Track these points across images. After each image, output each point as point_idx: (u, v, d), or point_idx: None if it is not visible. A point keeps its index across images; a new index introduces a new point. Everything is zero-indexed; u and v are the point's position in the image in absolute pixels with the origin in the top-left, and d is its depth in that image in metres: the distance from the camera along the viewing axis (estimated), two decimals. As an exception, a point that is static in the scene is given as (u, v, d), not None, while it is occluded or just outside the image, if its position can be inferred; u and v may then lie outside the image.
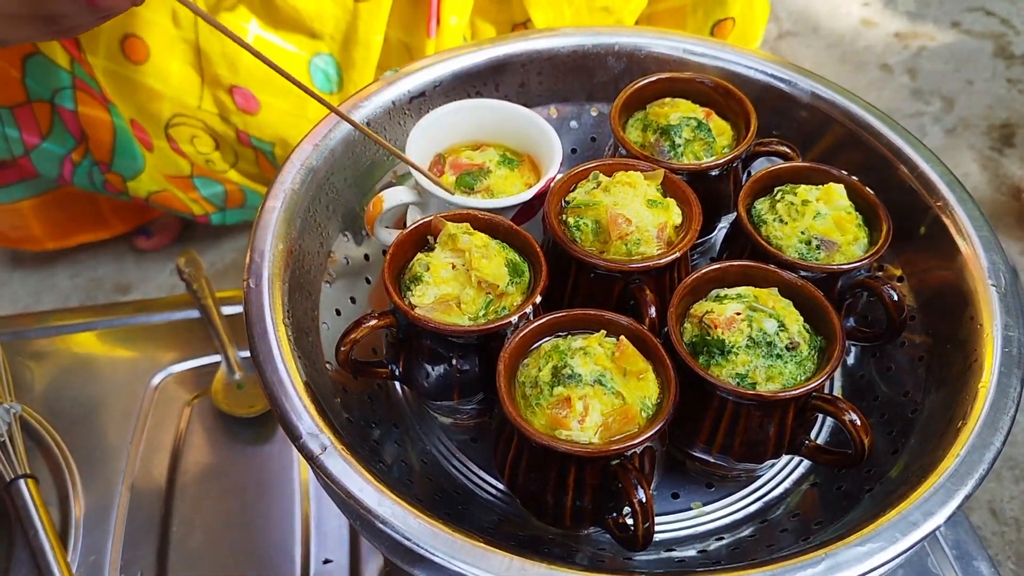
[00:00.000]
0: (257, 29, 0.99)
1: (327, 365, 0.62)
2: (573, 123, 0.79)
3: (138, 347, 0.93)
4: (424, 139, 0.68)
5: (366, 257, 0.71)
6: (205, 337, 0.92)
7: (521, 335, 0.56)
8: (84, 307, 1.12)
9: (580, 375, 0.53)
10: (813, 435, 0.65)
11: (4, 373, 0.86)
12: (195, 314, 0.94)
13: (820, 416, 0.66)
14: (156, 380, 0.89)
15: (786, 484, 0.64)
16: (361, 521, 0.52)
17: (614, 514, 0.55)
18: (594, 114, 0.79)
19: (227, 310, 0.93)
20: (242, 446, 0.85)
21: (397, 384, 0.68)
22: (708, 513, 0.62)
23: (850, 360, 0.71)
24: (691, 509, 0.62)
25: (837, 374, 0.70)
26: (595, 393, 0.53)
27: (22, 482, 0.78)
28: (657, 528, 0.57)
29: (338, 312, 0.67)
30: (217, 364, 0.89)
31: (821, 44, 1.62)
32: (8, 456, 0.79)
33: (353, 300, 0.69)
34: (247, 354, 0.89)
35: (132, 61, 1.00)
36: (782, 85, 0.75)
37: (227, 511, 0.80)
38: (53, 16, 0.52)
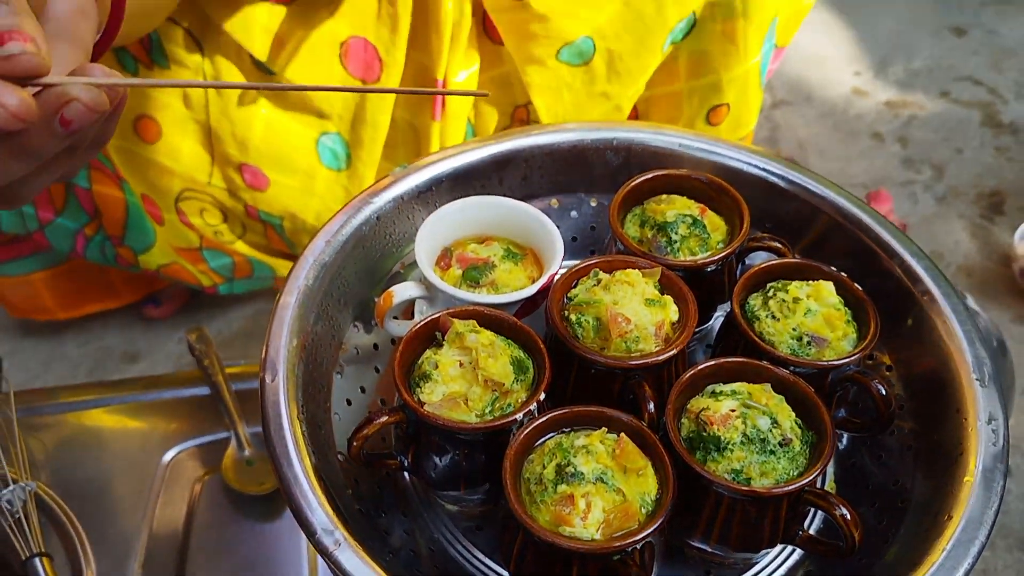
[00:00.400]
0: (265, 111, 1.03)
1: (338, 456, 0.65)
2: (573, 213, 0.83)
3: (149, 423, 0.95)
4: (432, 234, 0.71)
5: (375, 347, 0.74)
6: (215, 413, 0.94)
7: (526, 432, 0.58)
8: (95, 383, 1.14)
9: (583, 473, 0.56)
10: (807, 524, 0.67)
11: (20, 451, 0.88)
12: (205, 390, 0.96)
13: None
14: (167, 457, 0.91)
15: (781, 571, 0.66)
16: (372, 615, 0.54)
17: (615, 606, 0.57)
18: (593, 204, 0.82)
19: (237, 386, 0.95)
20: (252, 523, 0.87)
21: (405, 474, 0.70)
22: (706, 601, 0.64)
23: (842, 444, 0.73)
24: (690, 597, 0.64)
25: (830, 462, 0.72)
26: (597, 491, 0.55)
27: (37, 560, 0.79)
28: (657, 618, 0.60)
29: (349, 402, 0.69)
30: (227, 440, 0.92)
31: (814, 113, 1.67)
32: (24, 534, 0.81)
33: (363, 389, 0.71)
34: (257, 430, 0.92)
35: (144, 140, 1.04)
36: (775, 179, 0.78)
37: (237, 589, 0.82)
38: (68, 149, 0.51)
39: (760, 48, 1.04)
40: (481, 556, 0.66)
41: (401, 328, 0.69)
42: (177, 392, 0.97)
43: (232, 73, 1.00)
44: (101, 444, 0.93)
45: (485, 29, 1.03)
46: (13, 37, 0.43)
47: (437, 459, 0.62)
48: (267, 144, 1.04)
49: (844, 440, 0.73)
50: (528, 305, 0.69)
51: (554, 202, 0.82)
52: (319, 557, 0.83)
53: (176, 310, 1.38)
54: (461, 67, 1.00)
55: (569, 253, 0.80)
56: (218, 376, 0.95)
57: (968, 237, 1.47)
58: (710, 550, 0.62)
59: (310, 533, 0.55)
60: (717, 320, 0.75)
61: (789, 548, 0.67)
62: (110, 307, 1.34)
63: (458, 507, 0.68)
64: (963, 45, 1.85)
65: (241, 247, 1.19)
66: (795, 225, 0.78)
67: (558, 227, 0.72)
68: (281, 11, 0.96)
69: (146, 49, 0.98)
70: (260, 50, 0.98)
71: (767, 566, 0.66)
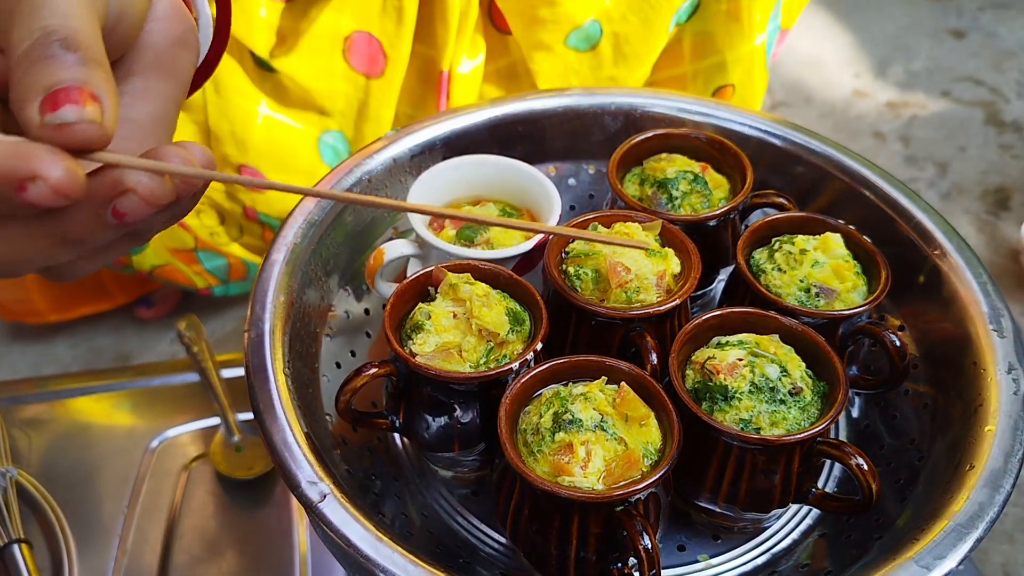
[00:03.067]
0: (266, 109, 1.01)
1: (327, 417, 0.62)
2: (572, 180, 0.80)
3: (137, 411, 0.92)
4: (424, 194, 0.69)
5: (366, 312, 0.71)
6: (204, 400, 0.91)
7: (522, 381, 0.55)
8: (83, 372, 1.12)
9: (581, 420, 0.53)
10: (821, 484, 0.64)
11: (2, 438, 0.85)
12: (194, 378, 0.93)
13: (827, 466, 0.65)
14: (154, 444, 0.88)
15: (794, 535, 0.63)
16: (361, 571, 0.51)
17: (619, 564, 0.54)
18: (592, 172, 0.80)
19: (227, 373, 0.92)
20: (240, 509, 0.83)
21: (397, 438, 0.67)
22: (716, 566, 0.61)
23: (855, 412, 0.70)
24: (698, 562, 0.61)
25: (843, 425, 0.69)
26: (597, 439, 0.52)
27: (16, 547, 0.76)
28: (664, 580, 0.56)
29: (338, 365, 0.66)
30: (216, 427, 0.89)
31: (814, 114, 1.66)
32: (3, 520, 0.78)
33: (353, 353, 0.69)
34: (246, 416, 0.89)
35: None
36: (776, 141, 0.76)
37: (224, 575, 0.79)
38: (126, 236, 0.43)
39: (765, 26, 1.03)
40: (477, 523, 0.63)
41: (392, 290, 0.66)
42: (166, 379, 0.95)
43: (234, 72, 0.98)
44: (87, 432, 0.90)
45: (491, 18, 1.01)
46: (71, 98, 0.35)
47: (429, 417, 0.59)
48: (267, 144, 1.02)
49: (856, 407, 0.70)
50: (525, 263, 0.66)
51: (552, 169, 0.80)
52: (309, 543, 0.80)
53: (169, 311, 1.35)
54: (467, 57, 0.98)
55: (567, 221, 0.78)
56: (207, 362, 0.92)
57: (975, 232, 1.44)
58: (719, 511, 0.59)
59: (294, 486, 0.52)
60: (720, 284, 0.73)
61: (801, 512, 0.64)
62: (102, 309, 1.31)
63: (452, 472, 0.65)
64: (962, 47, 1.84)
65: (236, 249, 1.16)
66: (801, 188, 0.76)
67: (556, 195, 0.70)
68: (279, 6, 0.95)
69: None
70: (262, 47, 0.96)
71: (778, 531, 0.63)
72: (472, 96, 1.03)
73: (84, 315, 1.30)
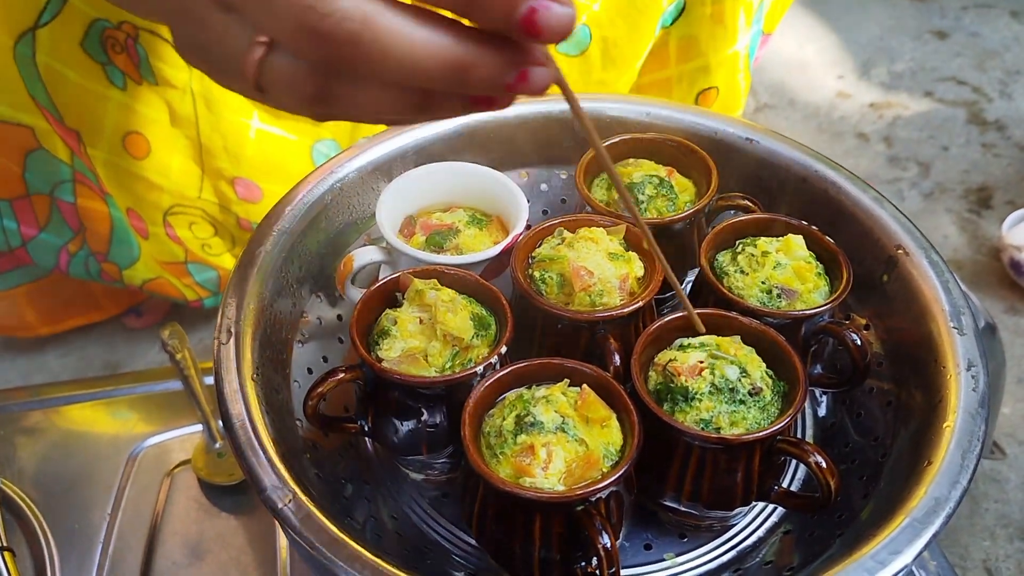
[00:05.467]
0: (258, 123, 1.02)
1: (298, 422, 0.63)
2: (543, 186, 0.81)
3: (120, 419, 0.93)
4: (395, 201, 0.70)
5: (339, 317, 0.72)
6: (187, 407, 0.92)
7: (486, 385, 0.56)
8: (66, 381, 1.12)
9: (542, 423, 0.54)
10: (785, 484, 0.65)
11: (-15, 447, 0.86)
12: (178, 385, 0.94)
13: (791, 464, 0.66)
14: (137, 451, 0.89)
15: (760, 532, 0.63)
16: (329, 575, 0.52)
17: (583, 563, 0.55)
18: (563, 176, 0.81)
19: (210, 380, 0.93)
20: (221, 515, 0.84)
21: (368, 441, 0.68)
22: (681, 564, 0.62)
23: (821, 410, 0.71)
24: (664, 560, 0.62)
25: (808, 423, 0.70)
26: (558, 440, 0.53)
27: (-1, 555, 0.77)
28: (629, 579, 0.57)
29: (310, 371, 0.67)
30: (198, 434, 0.89)
31: (798, 116, 1.67)
32: (-15, 529, 0.79)
33: (325, 359, 0.69)
34: (228, 423, 0.89)
35: (133, 156, 1.02)
36: (744, 143, 0.77)
37: (205, 581, 0.80)
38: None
39: (749, 30, 1.04)
40: (447, 525, 0.64)
41: (361, 295, 0.68)
42: (149, 387, 0.96)
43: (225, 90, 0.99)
44: (70, 439, 0.91)
45: None
46: None
47: (397, 421, 0.59)
48: (261, 156, 1.02)
49: (823, 405, 0.71)
50: (494, 267, 0.67)
51: (523, 175, 0.81)
52: (289, 544, 0.81)
53: (158, 320, 1.36)
54: None
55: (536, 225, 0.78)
56: (190, 370, 0.93)
57: (957, 231, 1.45)
58: (683, 509, 0.60)
59: (260, 490, 0.53)
60: (688, 285, 0.74)
61: (767, 510, 0.65)
62: (93, 320, 1.32)
63: (423, 475, 0.66)
64: (946, 47, 1.85)
65: (227, 260, 1.17)
66: (769, 190, 0.76)
67: (528, 200, 0.71)
68: None
69: (135, 64, 0.97)
70: None
71: (744, 528, 0.64)
72: None
73: (74, 327, 1.31)
